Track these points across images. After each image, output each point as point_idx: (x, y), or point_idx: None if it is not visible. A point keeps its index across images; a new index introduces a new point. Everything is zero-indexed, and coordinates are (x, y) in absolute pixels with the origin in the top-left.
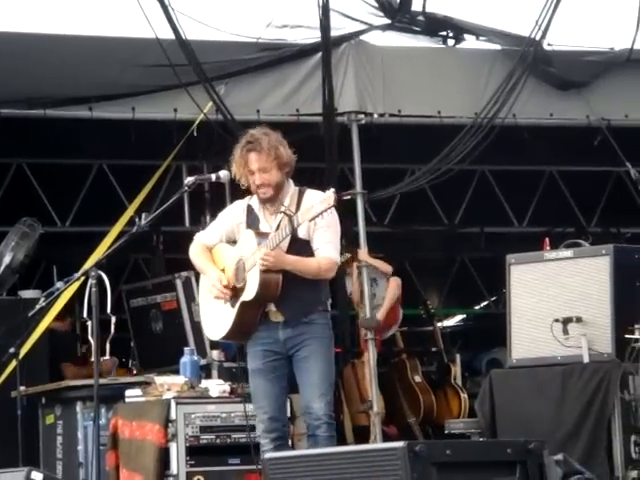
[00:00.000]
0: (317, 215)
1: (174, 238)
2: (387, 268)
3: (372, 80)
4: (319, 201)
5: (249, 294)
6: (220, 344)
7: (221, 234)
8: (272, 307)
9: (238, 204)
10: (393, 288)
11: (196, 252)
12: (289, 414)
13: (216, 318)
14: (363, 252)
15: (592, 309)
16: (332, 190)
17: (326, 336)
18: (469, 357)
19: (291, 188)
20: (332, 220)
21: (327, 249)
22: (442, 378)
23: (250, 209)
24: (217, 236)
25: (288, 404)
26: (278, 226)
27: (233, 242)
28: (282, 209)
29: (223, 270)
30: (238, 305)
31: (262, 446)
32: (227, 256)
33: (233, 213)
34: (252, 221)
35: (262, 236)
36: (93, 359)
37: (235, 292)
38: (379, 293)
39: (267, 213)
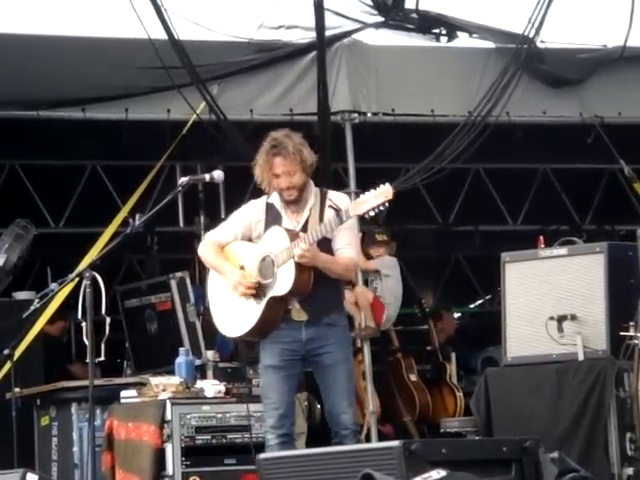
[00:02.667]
0: (373, 208)
1: (168, 239)
2: (372, 265)
3: (365, 79)
4: (374, 195)
5: (282, 289)
6: (216, 344)
7: (236, 232)
8: (295, 305)
9: (255, 203)
10: (360, 298)
11: (208, 250)
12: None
13: (236, 315)
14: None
15: (587, 307)
16: (388, 184)
17: (348, 341)
18: (464, 355)
19: (312, 188)
20: (354, 222)
21: (349, 250)
22: (437, 377)
23: (270, 207)
24: (232, 234)
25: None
26: (306, 223)
27: (248, 240)
28: (328, 204)
29: (242, 268)
30: (266, 301)
31: (267, 442)
32: (247, 253)
33: (251, 211)
34: (273, 219)
35: (290, 233)
36: (88, 360)
37: (260, 288)
38: (386, 291)
39: (289, 211)
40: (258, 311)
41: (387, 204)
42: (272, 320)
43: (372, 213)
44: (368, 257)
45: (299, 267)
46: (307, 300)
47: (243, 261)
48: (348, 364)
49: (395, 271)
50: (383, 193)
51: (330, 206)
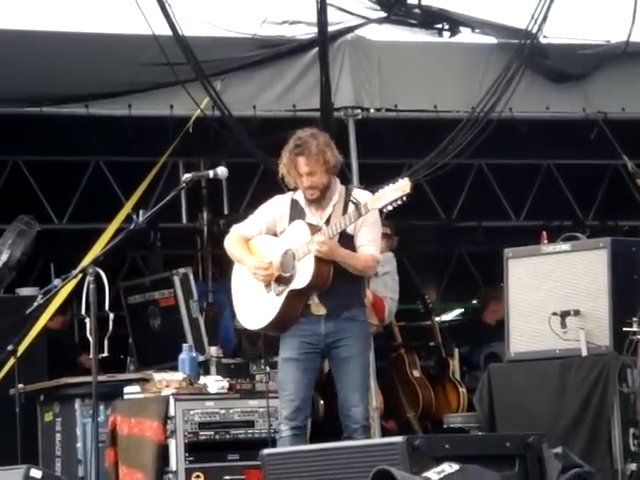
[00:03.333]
0: (391, 202)
1: (171, 235)
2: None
3: (368, 75)
4: (392, 189)
5: (301, 282)
6: (220, 340)
7: (261, 226)
8: (315, 299)
9: (281, 198)
10: None
11: (232, 242)
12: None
13: (256, 308)
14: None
15: (590, 302)
16: (407, 178)
17: (366, 336)
18: (467, 351)
19: (337, 185)
20: (377, 218)
21: (371, 247)
22: (440, 372)
23: (295, 203)
24: (257, 228)
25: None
26: (328, 219)
27: (273, 235)
28: (349, 198)
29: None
30: (286, 294)
31: (280, 433)
32: (270, 247)
33: (276, 206)
34: (297, 214)
35: (313, 228)
36: (92, 356)
37: (281, 282)
38: (383, 287)
39: (313, 208)
40: (278, 304)
41: (405, 198)
42: (292, 314)
43: (390, 207)
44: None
45: (318, 261)
46: (327, 294)
47: (267, 254)
48: (363, 359)
49: (392, 266)
50: (401, 187)
51: (351, 201)
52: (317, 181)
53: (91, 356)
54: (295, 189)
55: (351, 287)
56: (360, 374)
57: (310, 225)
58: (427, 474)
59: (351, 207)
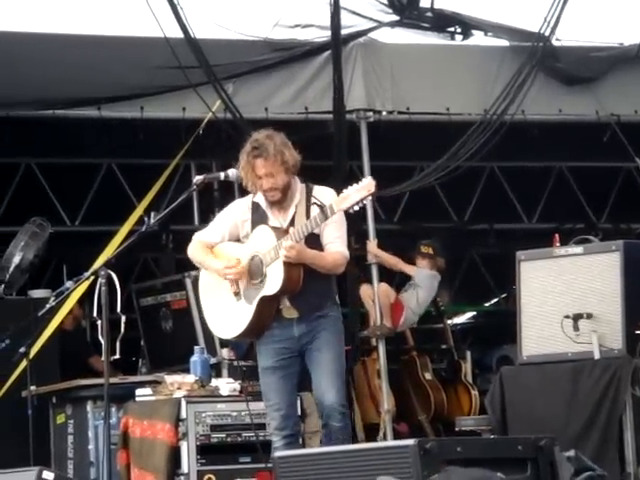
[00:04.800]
0: (357, 203)
1: (183, 237)
2: (407, 268)
3: (380, 78)
4: (356, 189)
5: (272, 288)
6: (231, 343)
7: (223, 233)
8: (286, 303)
9: (241, 202)
10: (382, 296)
11: (196, 249)
12: (300, 412)
13: (228, 316)
14: (372, 244)
15: (602, 305)
16: (370, 177)
17: (337, 328)
18: (479, 354)
19: (298, 185)
20: (341, 216)
21: (338, 244)
22: (452, 375)
23: (256, 206)
24: (219, 234)
25: (299, 402)
26: (292, 220)
27: (236, 240)
28: (313, 200)
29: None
30: (257, 301)
31: (273, 443)
32: (235, 254)
33: (236, 211)
34: (259, 218)
35: (277, 231)
36: (103, 359)
37: (250, 288)
38: (412, 298)
39: (275, 210)
40: (250, 312)
41: (370, 198)
42: (264, 320)
43: (356, 207)
44: (412, 263)
45: (288, 265)
46: (298, 296)
47: (233, 259)
48: (335, 349)
49: (428, 284)
50: (365, 187)
51: (314, 203)
52: (277, 182)
53: (103, 358)
54: (253, 193)
55: (322, 286)
56: (331, 362)
57: (275, 229)
58: None
59: (315, 210)
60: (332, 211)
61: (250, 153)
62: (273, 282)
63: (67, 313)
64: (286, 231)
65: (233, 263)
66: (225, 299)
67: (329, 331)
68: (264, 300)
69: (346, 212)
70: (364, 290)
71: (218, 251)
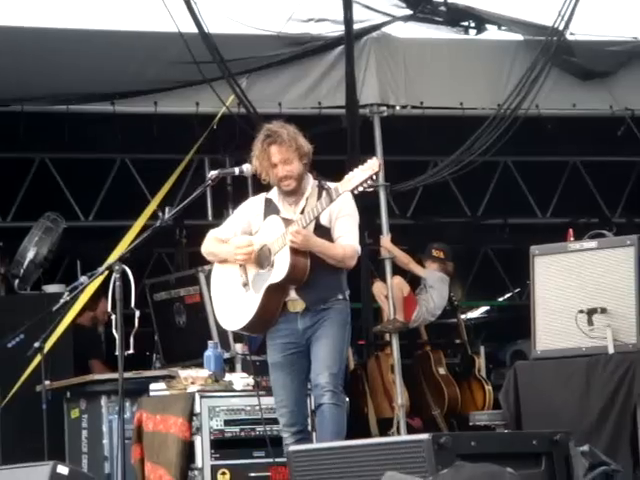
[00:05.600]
0: (362, 183)
1: (197, 232)
2: (418, 269)
3: (394, 72)
4: (361, 169)
5: (278, 276)
6: (244, 337)
7: (236, 229)
8: (292, 295)
9: (254, 199)
10: (395, 290)
11: (210, 244)
12: (312, 407)
13: (236, 308)
14: (386, 239)
15: (617, 300)
16: (375, 157)
17: (340, 319)
18: (493, 349)
19: (310, 180)
20: (353, 210)
21: (350, 237)
22: (466, 370)
23: (268, 201)
24: (231, 230)
25: (309, 397)
26: (302, 213)
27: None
28: (322, 190)
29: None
30: (264, 289)
31: (284, 440)
32: None
33: (249, 207)
34: (271, 212)
35: (287, 222)
36: (117, 353)
37: (259, 277)
38: (437, 300)
39: (287, 204)
40: (257, 301)
41: (375, 177)
42: (271, 311)
43: (361, 188)
44: (421, 265)
45: (294, 253)
46: (305, 288)
47: None
48: (334, 337)
49: (439, 286)
50: (370, 167)
51: (318, 186)
52: (292, 169)
53: (117, 353)
54: (269, 188)
55: (330, 280)
56: (326, 345)
57: (284, 219)
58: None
59: (322, 194)
60: (337, 192)
61: (264, 141)
62: (279, 269)
63: (86, 310)
64: (294, 221)
65: (244, 243)
66: (234, 291)
67: (330, 321)
68: (271, 289)
69: (352, 192)
70: (377, 287)
71: (229, 242)
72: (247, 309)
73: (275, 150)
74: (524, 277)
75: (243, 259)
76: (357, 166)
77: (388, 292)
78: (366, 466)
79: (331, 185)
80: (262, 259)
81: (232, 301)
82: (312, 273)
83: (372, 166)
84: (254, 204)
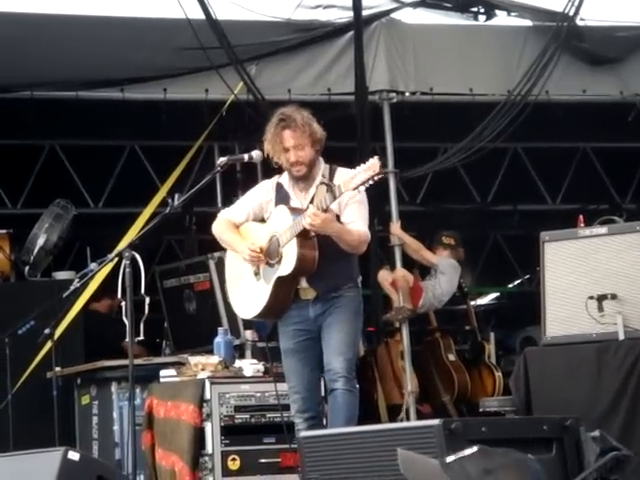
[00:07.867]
0: (363, 183)
1: (206, 219)
2: (429, 255)
3: (403, 58)
4: (363, 169)
5: (286, 269)
6: (254, 324)
7: (248, 212)
8: (303, 283)
9: (266, 183)
10: (401, 281)
11: (222, 228)
12: (323, 393)
13: (249, 296)
14: (396, 226)
15: (627, 286)
16: (376, 157)
17: (352, 306)
18: (503, 335)
19: (322, 165)
20: (363, 196)
21: (359, 224)
22: (476, 356)
23: (279, 186)
24: (244, 214)
25: (322, 383)
26: (312, 201)
27: (261, 220)
28: (320, 180)
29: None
30: (274, 281)
31: (296, 425)
32: (257, 234)
33: (261, 191)
34: (282, 198)
35: (296, 211)
36: (127, 339)
37: (269, 269)
38: (445, 286)
39: (297, 190)
40: (267, 292)
41: (376, 178)
42: (283, 300)
43: (362, 188)
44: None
45: (302, 246)
46: (316, 277)
47: (255, 241)
48: (346, 324)
49: (451, 272)
50: (371, 167)
51: (322, 183)
52: (304, 155)
53: (127, 339)
54: (280, 172)
55: (341, 268)
56: (338, 331)
57: (292, 209)
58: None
59: (322, 191)
60: (340, 191)
61: (278, 125)
62: (287, 263)
63: (102, 298)
64: (305, 211)
65: (257, 248)
66: (246, 278)
67: (342, 309)
68: (280, 281)
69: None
70: (381, 275)
71: (243, 232)
72: (259, 298)
73: (288, 135)
74: (534, 263)
75: (251, 262)
76: (366, 154)
77: (395, 279)
78: (377, 451)
79: (343, 177)
80: (272, 250)
81: (245, 289)
82: (322, 261)
83: (372, 167)
84: (264, 189)
